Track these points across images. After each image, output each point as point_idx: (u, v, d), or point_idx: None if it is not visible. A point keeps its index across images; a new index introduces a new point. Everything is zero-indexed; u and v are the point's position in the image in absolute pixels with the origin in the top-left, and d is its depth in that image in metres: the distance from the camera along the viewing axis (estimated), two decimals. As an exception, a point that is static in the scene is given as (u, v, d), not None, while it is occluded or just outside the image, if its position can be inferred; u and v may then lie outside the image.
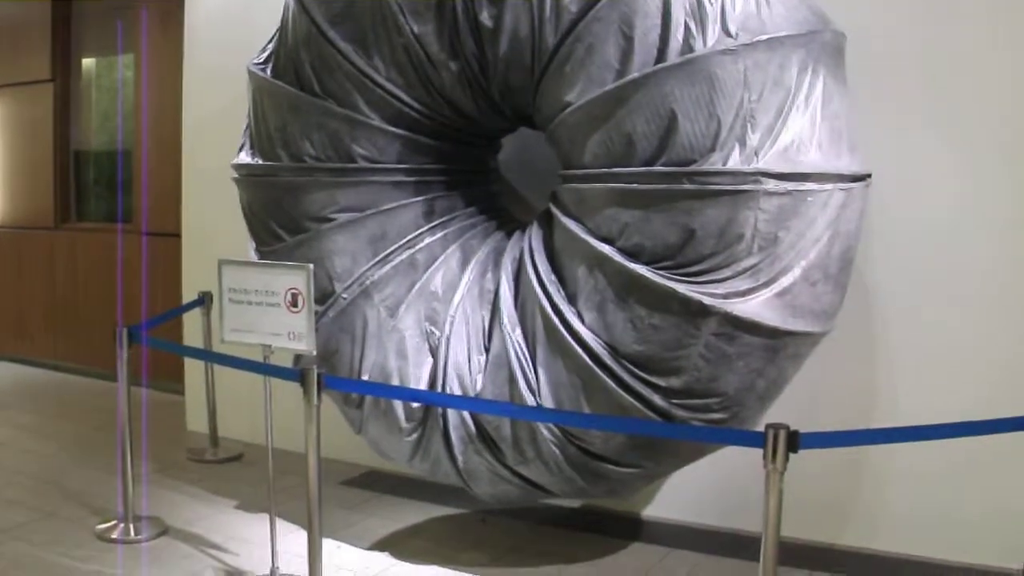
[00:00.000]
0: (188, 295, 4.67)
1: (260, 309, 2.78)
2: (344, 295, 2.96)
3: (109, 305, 5.72)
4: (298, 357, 3.02)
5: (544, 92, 2.62)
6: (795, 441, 1.98)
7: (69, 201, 6.44)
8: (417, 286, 2.90)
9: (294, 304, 2.69)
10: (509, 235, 2.98)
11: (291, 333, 2.73)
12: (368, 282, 2.96)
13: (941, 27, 2.92)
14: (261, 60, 3.15)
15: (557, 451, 2.63)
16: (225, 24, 4.50)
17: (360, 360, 2.98)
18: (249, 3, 4.50)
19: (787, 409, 2.70)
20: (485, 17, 2.67)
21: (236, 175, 3.24)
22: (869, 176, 2.58)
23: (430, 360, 2.87)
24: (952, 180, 2.92)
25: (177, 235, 5.00)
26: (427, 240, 3.02)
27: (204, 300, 4.27)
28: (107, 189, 6.07)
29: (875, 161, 2.68)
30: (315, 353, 2.67)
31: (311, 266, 2.63)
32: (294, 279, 2.67)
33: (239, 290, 2.83)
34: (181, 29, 4.75)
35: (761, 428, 2.04)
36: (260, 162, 3.10)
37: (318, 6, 2.86)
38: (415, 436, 2.90)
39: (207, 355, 3.29)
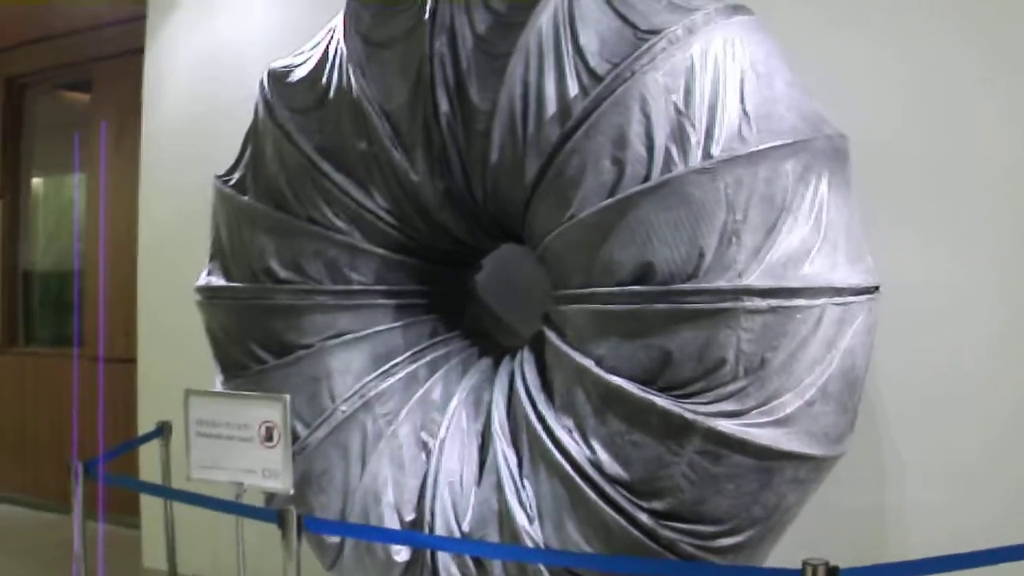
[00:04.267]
0: (144, 424, 4.56)
1: (231, 444, 2.73)
2: (343, 408, 3.12)
3: (59, 434, 5.53)
4: (271, 496, 2.90)
5: (532, 216, 2.88)
6: (835, 577, 1.93)
7: (16, 324, 6.57)
8: (417, 396, 3.12)
9: (268, 438, 2.62)
10: (504, 353, 3.22)
11: (265, 470, 2.64)
12: (371, 394, 3.12)
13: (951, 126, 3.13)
14: (230, 179, 3.41)
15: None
16: (183, 138, 4.54)
17: (359, 476, 3.09)
18: (206, 117, 4.87)
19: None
20: (473, 138, 2.91)
21: (201, 298, 3.47)
22: (876, 288, 2.72)
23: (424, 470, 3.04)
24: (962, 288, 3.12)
25: (131, 360, 4.81)
26: (430, 356, 3.24)
27: (163, 430, 4.13)
28: (57, 311, 5.90)
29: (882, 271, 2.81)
30: (292, 492, 2.55)
31: (288, 397, 2.66)
32: (269, 411, 2.68)
33: (207, 422, 2.73)
34: (135, 147, 4.73)
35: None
36: (241, 284, 3.28)
37: (305, 137, 3.16)
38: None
39: (175, 494, 3.16)
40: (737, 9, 2.72)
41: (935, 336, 3.18)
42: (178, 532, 4.53)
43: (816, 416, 2.60)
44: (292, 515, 2.64)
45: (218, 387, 3.41)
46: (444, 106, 2.92)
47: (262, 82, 3.34)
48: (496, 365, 3.19)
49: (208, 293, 3.42)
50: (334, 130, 3.13)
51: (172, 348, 4.86)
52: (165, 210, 5.00)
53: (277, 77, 3.31)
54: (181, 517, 4.51)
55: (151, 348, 5.08)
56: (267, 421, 2.85)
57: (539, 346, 2.98)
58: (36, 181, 6.84)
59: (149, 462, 4.66)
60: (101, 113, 5.94)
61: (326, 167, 3.11)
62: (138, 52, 5.31)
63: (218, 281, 3.39)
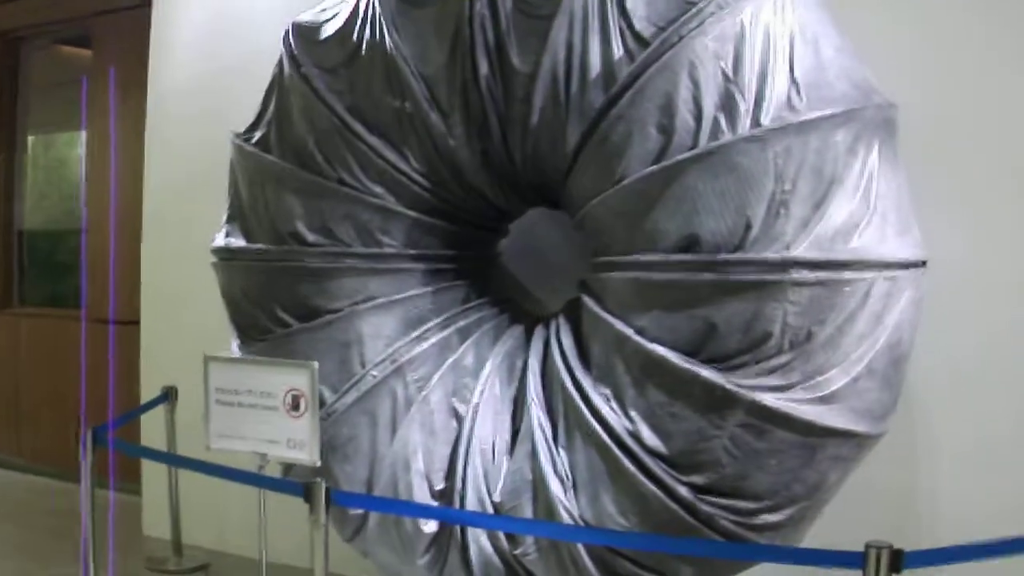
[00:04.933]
0: (148, 388, 4.52)
1: (254, 412, 2.65)
2: (374, 372, 3.07)
3: (55, 396, 5.49)
4: (289, 466, 2.83)
5: (573, 181, 2.86)
6: (899, 560, 1.84)
7: (12, 284, 6.55)
8: (449, 362, 3.10)
9: (295, 407, 2.54)
10: (535, 321, 3.21)
11: (290, 441, 2.58)
12: (403, 359, 3.08)
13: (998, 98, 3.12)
14: (250, 137, 3.36)
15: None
16: (191, 97, 4.50)
17: (388, 444, 3.04)
18: (217, 75, 4.79)
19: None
20: (513, 102, 2.87)
21: (219, 259, 3.43)
22: (924, 263, 2.72)
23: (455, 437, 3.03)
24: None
25: (133, 322, 5.20)
26: (462, 322, 3.21)
27: (168, 396, 4.07)
28: (51, 271, 5.83)
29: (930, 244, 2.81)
30: (319, 463, 2.49)
31: (316, 364, 2.60)
32: (295, 378, 2.62)
33: (228, 390, 2.65)
34: (139, 104, 4.62)
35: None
36: (265, 246, 3.22)
37: (335, 96, 3.11)
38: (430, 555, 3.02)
39: (192, 463, 3.08)
40: (786, -29, 2.70)
41: (969, 314, 3.18)
42: (181, 501, 4.50)
43: (861, 392, 2.61)
44: (320, 488, 2.59)
45: (235, 351, 3.39)
46: (484, 69, 2.89)
47: (286, 37, 3.29)
48: (528, 332, 3.19)
49: (227, 254, 3.39)
50: (365, 89, 3.10)
51: (177, 311, 4.80)
52: (171, 169, 4.95)
53: (303, 32, 3.25)
54: (184, 487, 4.48)
55: (155, 311, 5.03)
56: (293, 389, 2.79)
57: (575, 314, 2.97)
58: (32, 139, 6.71)
59: (152, 428, 4.61)
60: (102, 69, 5.81)
61: (359, 128, 3.08)
62: (140, 6, 5.21)
63: (238, 242, 3.35)
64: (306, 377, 2.74)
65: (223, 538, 4.69)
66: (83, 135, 6.09)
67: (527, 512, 2.83)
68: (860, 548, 2.26)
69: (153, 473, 4.86)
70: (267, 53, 4.56)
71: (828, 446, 2.59)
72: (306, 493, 2.63)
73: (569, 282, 3.43)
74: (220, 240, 3.43)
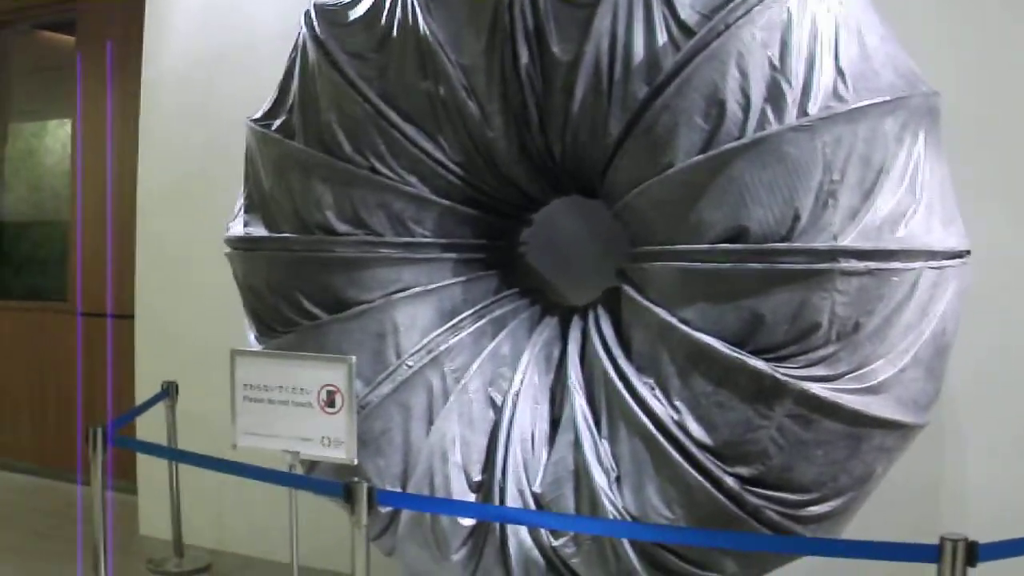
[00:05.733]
0: (144, 383, 4.46)
1: (285, 409, 2.58)
2: (409, 362, 3.04)
3: (38, 391, 5.40)
4: (312, 463, 2.80)
5: (614, 171, 2.86)
6: (974, 553, 1.86)
7: None
8: (486, 351, 3.09)
9: (330, 404, 2.49)
10: (569, 311, 3.23)
11: (325, 439, 2.53)
12: (439, 349, 3.07)
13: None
14: (269, 123, 3.30)
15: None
16: (186, 86, 4.42)
17: (423, 435, 3.02)
18: (212, 63, 4.78)
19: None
20: (553, 91, 2.87)
21: (238, 250, 3.38)
22: (968, 252, 2.76)
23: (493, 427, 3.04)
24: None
25: (123, 316, 5.25)
26: (497, 311, 3.20)
27: (168, 391, 4.03)
28: (30, 263, 6.22)
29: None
30: (356, 462, 2.45)
31: (353, 359, 2.58)
32: (331, 374, 2.60)
33: (257, 386, 2.61)
34: (126, 93, 4.58)
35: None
36: (292, 235, 3.18)
37: (368, 84, 3.08)
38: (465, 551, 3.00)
39: (227, 465, 2.97)
40: (830, -41, 2.74)
41: (1002, 309, 3.22)
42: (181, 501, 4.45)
43: (907, 383, 2.67)
44: (362, 489, 2.52)
45: (252, 344, 3.37)
46: (524, 57, 2.90)
47: (308, 19, 3.25)
48: (563, 323, 3.21)
49: (248, 244, 3.35)
50: (397, 74, 3.08)
51: (173, 304, 4.75)
52: (166, 160, 4.87)
53: (327, 15, 3.21)
54: (183, 484, 4.43)
55: (150, 303, 5.00)
56: (328, 385, 2.73)
57: (614, 303, 3.00)
58: (17, 126, 6.59)
59: (149, 424, 4.53)
60: (87, 56, 5.70)
61: (393, 116, 3.06)
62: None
63: (259, 231, 3.32)
64: (343, 372, 2.70)
65: (224, 536, 4.65)
66: (67, 124, 6.02)
67: (569, 503, 2.85)
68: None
69: (149, 471, 4.81)
70: (265, 41, 4.54)
71: (874, 436, 2.64)
72: (346, 493, 2.59)
73: (592, 273, 3.44)
74: (238, 229, 3.41)
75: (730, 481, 2.60)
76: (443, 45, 2.99)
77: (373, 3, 3.13)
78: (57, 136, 6.27)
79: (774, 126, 2.52)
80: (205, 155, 4.75)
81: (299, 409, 2.83)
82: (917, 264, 2.57)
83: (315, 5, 3.27)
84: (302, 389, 2.81)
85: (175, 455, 3.89)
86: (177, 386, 4.39)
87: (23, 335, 6.19)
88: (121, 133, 5.34)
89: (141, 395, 4.83)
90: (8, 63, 6.51)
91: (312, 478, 2.96)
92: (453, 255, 3.22)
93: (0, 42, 6.46)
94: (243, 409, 2.93)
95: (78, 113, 5.85)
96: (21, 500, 5.49)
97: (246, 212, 3.41)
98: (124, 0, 5.16)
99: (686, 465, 2.63)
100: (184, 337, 4.80)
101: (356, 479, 2.68)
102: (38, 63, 6.41)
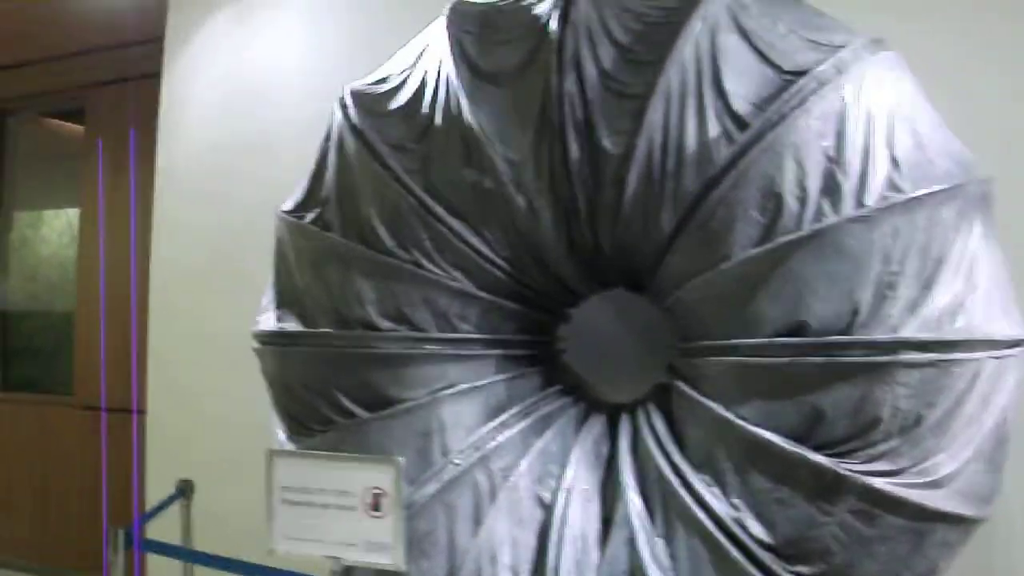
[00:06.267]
0: (156, 480, 4.72)
1: (326, 512, 2.51)
2: (456, 460, 2.99)
3: (41, 487, 5.73)
4: (348, 568, 2.73)
5: (665, 266, 2.86)
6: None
7: None
8: (534, 449, 3.04)
9: (375, 507, 2.42)
10: (615, 408, 3.19)
11: (369, 543, 2.45)
12: (487, 447, 3.02)
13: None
14: (302, 215, 3.25)
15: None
16: (202, 176, 4.37)
17: (469, 536, 2.95)
18: (229, 153, 4.77)
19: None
20: (603, 185, 2.85)
21: (272, 346, 3.31)
22: None
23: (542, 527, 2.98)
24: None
25: (125, 411, 5.18)
26: (544, 409, 3.17)
27: (184, 491, 3.93)
28: (33, 355, 5.70)
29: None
30: (403, 568, 2.37)
31: (402, 460, 2.48)
32: (377, 475, 2.52)
33: (298, 489, 2.52)
34: (137, 181, 4.58)
35: None
36: (331, 331, 3.12)
37: (411, 176, 3.05)
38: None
39: (253, 569, 2.88)
40: (879, 44, 2.75)
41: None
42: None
43: (969, 476, 2.64)
44: (413, 602, 2.45)
45: (282, 443, 3.29)
46: (575, 152, 2.89)
47: (344, 107, 3.23)
48: (610, 420, 3.18)
49: (283, 340, 3.30)
50: (440, 166, 3.06)
51: (185, 398, 4.67)
52: (180, 251, 4.83)
53: (365, 103, 3.19)
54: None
55: (162, 398, 4.90)
56: (375, 487, 2.65)
57: (664, 400, 2.98)
58: (22, 215, 6.59)
59: (161, 523, 4.40)
60: (95, 144, 5.69)
61: (439, 210, 3.05)
62: (139, 79, 5.14)
63: (294, 326, 3.27)
64: (390, 473, 2.62)
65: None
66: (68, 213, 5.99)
67: (624, 603, 2.89)
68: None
69: (159, 571, 4.66)
70: (284, 130, 4.52)
71: (937, 531, 2.59)
72: (394, 604, 2.50)
73: (631, 370, 3.38)
74: (269, 324, 3.36)
75: (794, 581, 2.66)
76: (489, 136, 2.98)
77: (415, 92, 3.12)
78: (53, 226, 6.25)
79: (831, 218, 2.52)
80: (224, 244, 4.74)
81: (341, 512, 2.74)
82: (978, 354, 2.54)
83: (351, 92, 3.25)
84: (344, 492, 2.72)
85: (207, 560, 3.75)
86: (193, 485, 4.29)
87: (26, 430, 6.00)
88: (143, 222, 5.28)
89: (153, 492, 4.74)
90: (15, 151, 6.46)
91: (351, 587, 2.85)
92: (498, 351, 3.21)
93: (5, 130, 6.44)
94: (282, 513, 2.84)
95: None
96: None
97: (278, 307, 3.37)
98: (135, 86, 5.21)
99: (746, 564, 2.58)
100: (197, 434, 4.72)
101: (400, 586, 2.62)
102: (44, 151, 6.40)
